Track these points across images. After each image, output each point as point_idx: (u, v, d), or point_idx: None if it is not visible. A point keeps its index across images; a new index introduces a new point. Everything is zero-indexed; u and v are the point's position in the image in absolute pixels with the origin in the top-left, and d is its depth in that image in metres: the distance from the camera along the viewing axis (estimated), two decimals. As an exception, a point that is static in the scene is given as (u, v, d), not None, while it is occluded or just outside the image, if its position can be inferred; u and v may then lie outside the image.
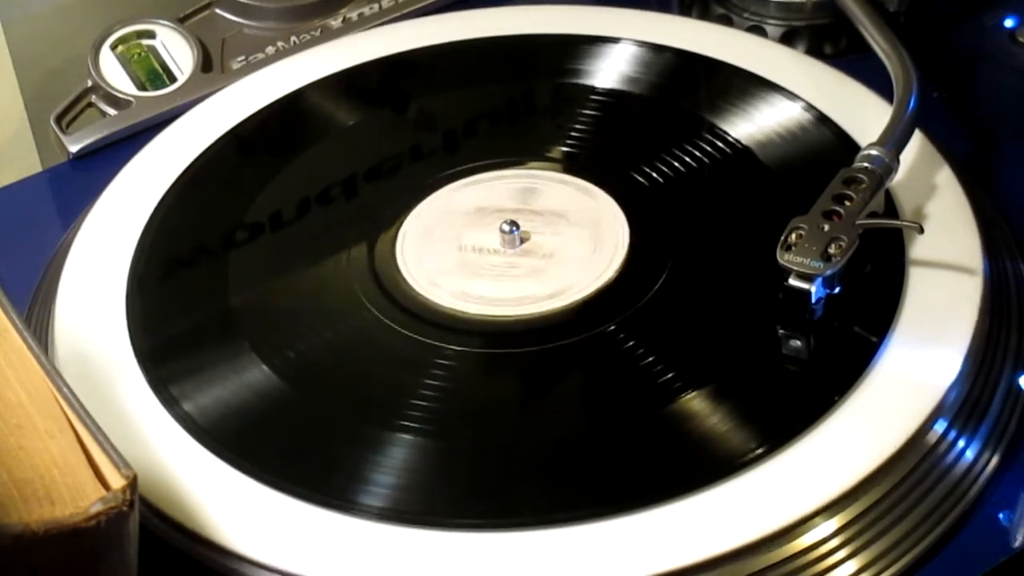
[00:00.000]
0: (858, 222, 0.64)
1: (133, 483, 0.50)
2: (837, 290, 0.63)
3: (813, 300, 0.63)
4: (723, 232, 0.70)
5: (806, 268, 0.63)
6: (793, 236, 0.64)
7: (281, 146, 0.76)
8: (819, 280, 0.63)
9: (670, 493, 0.58)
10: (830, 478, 0.58)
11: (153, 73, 0.82)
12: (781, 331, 0.64)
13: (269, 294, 0.69)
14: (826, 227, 0.64)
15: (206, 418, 0.62)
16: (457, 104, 0.78)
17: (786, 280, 0.63)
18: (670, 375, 0.63)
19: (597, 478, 0.60)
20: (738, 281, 0.67)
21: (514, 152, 0.75)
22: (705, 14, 0.84)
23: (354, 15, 0.85)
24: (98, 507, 0.49)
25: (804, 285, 0.63)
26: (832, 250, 0.63)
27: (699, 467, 0.59)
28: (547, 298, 0.67)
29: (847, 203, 0.65)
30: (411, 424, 0.62)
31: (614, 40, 0.79)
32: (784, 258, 0.63)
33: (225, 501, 0.59)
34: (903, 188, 0.69)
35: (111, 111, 0.81)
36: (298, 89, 0.79)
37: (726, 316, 0.66)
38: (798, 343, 0.64)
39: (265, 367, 0.64)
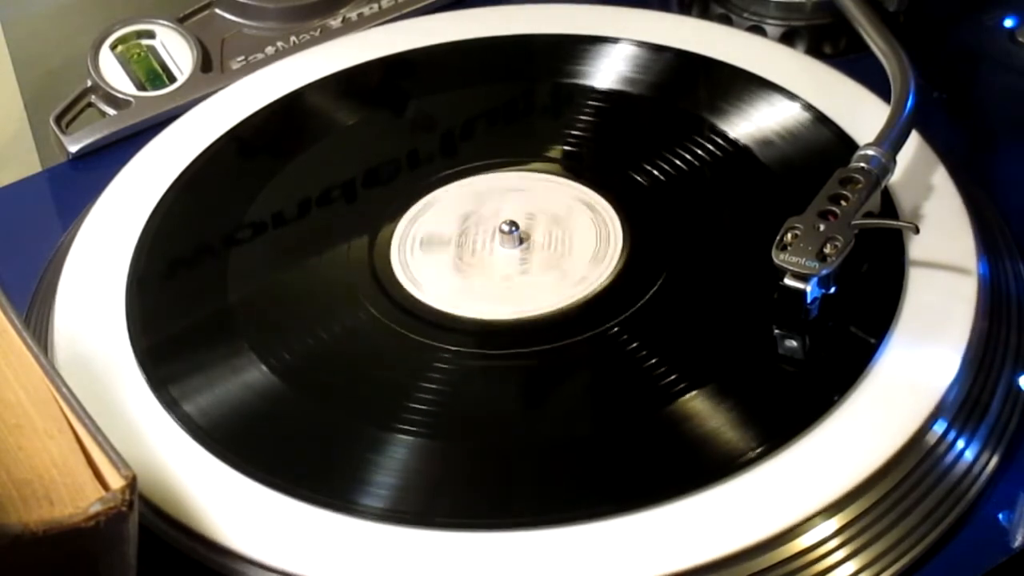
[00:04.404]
0: (854, 222, 0.64)
1: (132, 483, 0.50)
2: (833, 290, 0.64)
3: (808, 300, 0.63)
4: (723, 232, 0.70)
5: (801, 268, 0.63)
6: (789, 236, 0.64)
7: (281, 146, 0.77)
8: (814, 280, 0.63)
9: (670, 493, 0.58)
10: (830, 478, 0.58)
11: (153, 73, 0.82)
12: (777, 331, 0.64)
13: (269, 294, 0.69)
14: (822, 227, 0.64)
15: (205, 418, 0.63)
16: (456, 104, 0.78)
17: (781, 280, 0.63)
18: (670, 375, 0.63)
19: (597, 478, 0.60)
20: (738, 281, 0.67)
21: (513, 152, 0.75)
22: (705, 14, 0.84)
23: (354, 15, 0.85)
24: (97, 507, 0.49)
25: (799, 285, 0.63)
26: (827, 250, 0.63)
27: (698, 467, 0.59)
28: (546, 298, 0.67)
29: (843, 203, 0.65)
30: (411, 425, 0.62)
31: (613, 40, 0.79)
32: (779, 258, 0.63)
33: (225, 501, 0.59)
34: (901, 188, 0.69)
35: (111, 111, 0.81)
36: (298, 89, 0.79)
37: (726, 316, 0.66)
38: (794, 343, 0.64)
39: (265, 368, 0.64)
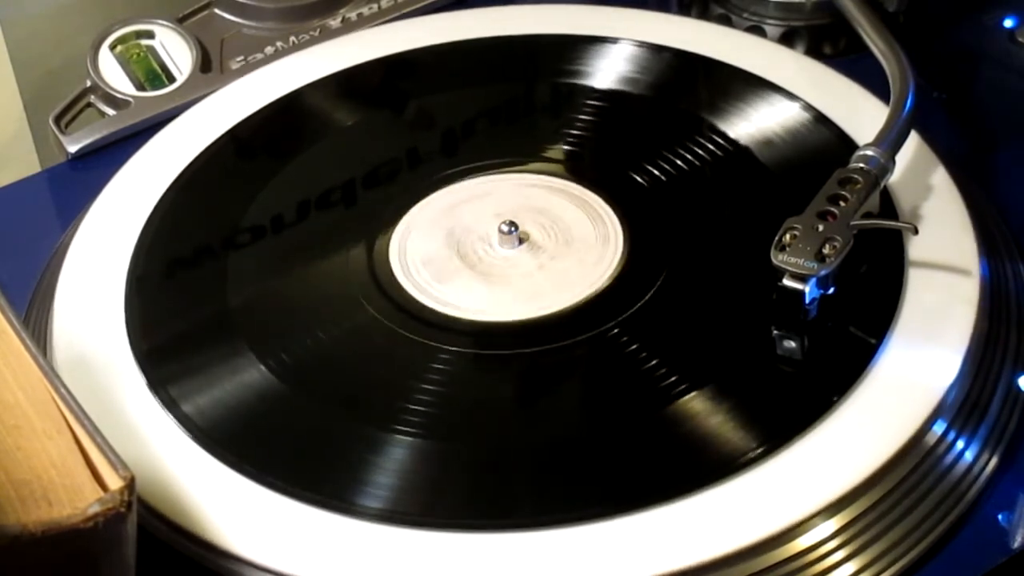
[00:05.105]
0: (852, 223, 0.64)
1: (131, 484, 0.50)
2: (832, 291, 0.63)
3: (807, 301, 0.63)
4: (722, 232, 0.70)
5: (800, 268, 0.63)
6: (787, 236, 0.64)
7: (280, 146, 0.76)
8: (813, 280, 0.63)
9: (669, 494, 0.58)
10: (829, 479, 0.58)
11: (152, 73, 0.82)
12: (776, 332, 0.64)
13: (268, 295, 0.69)
14: (820, 227, 0.64)
15: (204, 419, 0.62)
16: (456, 104, 0.78)
17: (780, 280, 0.63)
18: (669, 376, 0.63)
19: (596, 479, 0.60)
20: (738, 281, 0.67)
21: (513, 152, 0.75)
22: (704, 14, 0.84)
23: (353, 15, 0.85)
24: (96, 508, 0.49)
25: (798, 285, 0.63)
26: (826, 251, 0.63)
27: (698, 468, 0.59)
28: (546, 299, 0.67)
29: (842, 203, 0.65)
30: (410, 425, 0.61)
31: (613, 40, 0.79)
32: (778, 258, 0.63)
33: (223, 502, 0.59)
34: (902, 189, 0.69)
35: (110, 111, 0.81)
36: (297, 89, 0.79)
37: (726, 317, 0.66)
38: (793, 344, 0.64)
39: (264, 368, 0.64)
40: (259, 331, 0.66)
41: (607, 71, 0.78)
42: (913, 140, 0.70)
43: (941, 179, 0.69)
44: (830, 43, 0.82)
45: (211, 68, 0.82)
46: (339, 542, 0.58)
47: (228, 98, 0.79)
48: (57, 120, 0.80)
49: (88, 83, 0.82)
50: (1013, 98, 0.79)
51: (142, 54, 0.83)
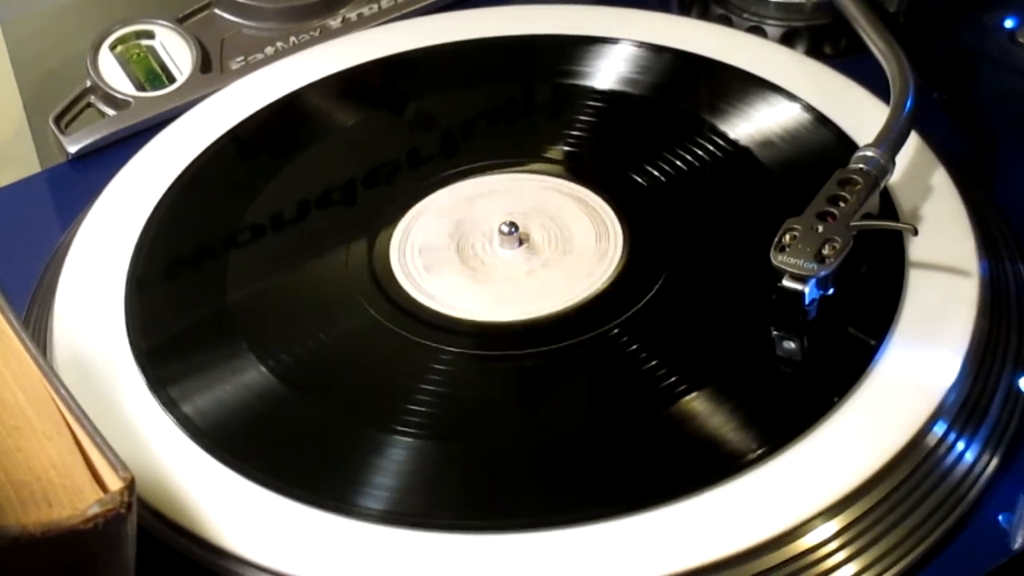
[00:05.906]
0: (852, 223, 0.64)
1: (131, 485, 0.50)
2: (831, 291, 0.63)
3: (806, 301, 0.63)
4: (723, 233, 0.70)
5: (799, 269, 0.63)
6: (787, 237, 0.64)
7: (280, 147, 0.76)
8: (812, 281, 0.63)
9: (670, 495, 0.58)
10: (830, 480, 0.58)
11: (152, 73, 0.82)
12: (776, 333, 0.64)
13: (268, 295, 0.69)
14: (820, 228, 0.64)
15: (204, 420, 0.62)
16: (456, 105, 0.78)
17: (780, 281, 0.63)
18: (670, 377, 0.63)
19: (597, 480, 0.60)
20: (738, 282, 0.67)
21: (513, 153, 0.75)
22: (705, 14, 0.84)
23: (353, 15, 0.85)
24: (96, 509, 0.49)
25: (797, 286, 0.63)
26: (826, 251, 0.63)
27: (699, 469, 0.59)
28: (547, 299, 0.67)
29: (842, 204, 0.65)
30: (410, 426, 0.61)
31: (613, 40, 0.79)
32: (778, 259, 0.63)
33: (223, 503, 0.59)
34: (902, 189, 0.69)
35: (110, 111, 0.81)
36: (297, 89, 0.79)
37: (726, 317, 0.66)
38: (793, 345, 0.64)
39: (264, 369, 0.64)
40: (259, 332, 0.66)
41: (607, 71, 0.78)
42: (913, 140, 0.70)
43: (941, 180, 0.69)
44: (830, 43, 0.82)
45: (211, 68, 0.82)
46: (339, 543, 0.58)
47: (228, 99, 0.79)
48: (57, 120, 0.80)
49: (88, 83, 0.81)
50: (1013, 98, 0.79)
51: (142, 54, 0.83)
